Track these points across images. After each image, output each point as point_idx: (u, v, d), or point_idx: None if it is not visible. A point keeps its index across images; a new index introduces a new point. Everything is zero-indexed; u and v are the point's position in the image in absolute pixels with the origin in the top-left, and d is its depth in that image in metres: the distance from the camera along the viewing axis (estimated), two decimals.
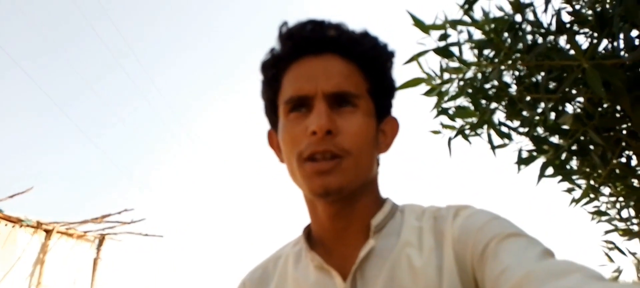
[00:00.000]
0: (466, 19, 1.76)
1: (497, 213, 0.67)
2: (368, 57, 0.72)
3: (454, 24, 1.77)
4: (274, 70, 0.74)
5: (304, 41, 0.71)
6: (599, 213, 2.96)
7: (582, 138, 1.95)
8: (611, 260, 3.15)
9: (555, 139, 2.14)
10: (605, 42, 1.65)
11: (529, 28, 1.70)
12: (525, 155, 2.13)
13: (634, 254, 2.98)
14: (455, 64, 1.87)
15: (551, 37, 1.64)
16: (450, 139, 2.18)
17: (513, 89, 2.00)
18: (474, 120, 2.05)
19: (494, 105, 2.03)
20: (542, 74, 1.80)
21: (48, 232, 8.51)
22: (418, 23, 1.75)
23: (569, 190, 2.87)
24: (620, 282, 0.47)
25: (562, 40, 1.68)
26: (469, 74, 1.89)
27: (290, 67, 0.72)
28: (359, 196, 0.72)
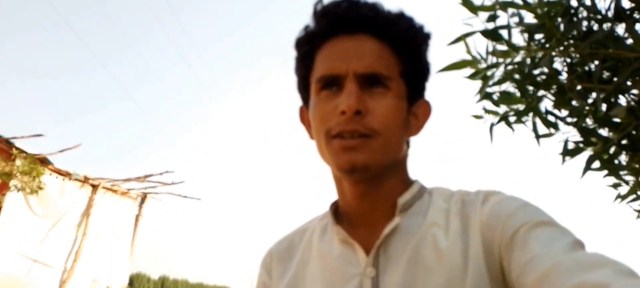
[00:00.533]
0: (518, 1, 1.69)
1: (527, 201, 0.66)
2: (402, 38, 0.71)
3: (505, 5, 1.70)
4: (307, 47, 0.75)
5: (338, 19, 0.71)
6: None
7: (634, 132, 1.86)
8: None
9: (604, 132, 2.05)
10: None
11: (584, 14, 1.61)
12: (571, 146, 2.05)
13: None
14: (503, 48, 1.80)
15: (608, 25, 1.55)
16: (492, 125, 2.13)
17: (563, 77, 1.92)
18: (520, 107, 1.98)
19: (541, 92, 1.96)
20: (596, 62, 1.72)
21: (94, 187, 8.97)
22: (466, 2, 1.69)
23: (615, 186, 2.75)
24: None
25: (620, 29, 1.59)
26: (518, 59, 1.82)
27: (324, 45, 0.72)
28: (386, 177, 0.72)
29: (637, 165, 2.10)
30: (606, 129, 2.02)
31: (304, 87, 0.78)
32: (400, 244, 0.69)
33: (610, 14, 1.57)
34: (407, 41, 0.72)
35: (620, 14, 1.49)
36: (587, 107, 1.95)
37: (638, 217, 2.95)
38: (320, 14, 0.73)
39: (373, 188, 0.72)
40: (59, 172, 8.31)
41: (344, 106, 0.66)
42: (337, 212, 0.79)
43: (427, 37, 0.75)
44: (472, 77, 2.01)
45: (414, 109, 0.76)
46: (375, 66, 0.68)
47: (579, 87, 1.84)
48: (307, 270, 0.78)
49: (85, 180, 8.80)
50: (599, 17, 1.56)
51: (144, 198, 10.19)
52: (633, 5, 1.54)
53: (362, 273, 0.69)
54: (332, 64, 0.70)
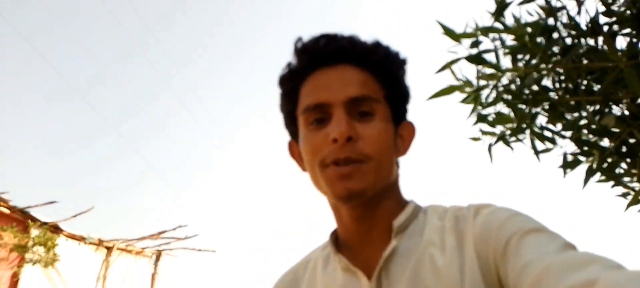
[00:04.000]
0: (497, 25, 1.76)
1: (517, 210, 0.67)
2: (382, 65, 0.75)
3: (486, 31, 1.77)
4: (291, 83, 0.78)
5: (319, 53, 0.75)
6: None
7: (630, 140, 1.88)
8: None
9: (603, 143, 2.07)
10: None
11: (564, 32, 1.67)
12: (570, 159, 2.07)
13: None
14: (490, 71, 1.85)
15: (585, 39, 1.60)
16: (490, 146, 2.16)
17: (553, 93, 1.96)
18: (514, 125, 2.02)
19: (534, 109, 2.00)
20: (584, 75, 1.76)
21: (109, 249, 8.95)
22: (448, 32, 1.76)
23: (624, 195, 2.74)
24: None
25: (600, 42, 1.64)
26: (505, 80, 1.87)
27: (307, 78, 0.76)
28: (381, 199, 0.74)
29: (635, 171, 2.11)
30: (605, 139, 2.04)
31: (291, 122, 0.80)
32: (400, 267, 0.69)
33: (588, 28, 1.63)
34: (387, 67, 0.75)
35: (597, 28, 1.54)
36: (581, 121, 1.98)
37: None
38: (301, 51, 0.76)
39: (370, 211, 0.73)
40: (73, 237, 8.33)
41: (335, 134, 0.67)
42: (337, 241, 0.80)
43: (403, 62, 0.78)
44: (464, 101, 2.06)
45: (400, 131, 0.78)
46: (363, 90, 0.71)
47: (570, 101, 1.88)
48: None
49: (100, 243, 8.80)
50: (574, 33, 1.62)
51: (158, 255, 10.14)
52: (608, 19, 1.60)
53: None
54: (319, 93, 0.72)
